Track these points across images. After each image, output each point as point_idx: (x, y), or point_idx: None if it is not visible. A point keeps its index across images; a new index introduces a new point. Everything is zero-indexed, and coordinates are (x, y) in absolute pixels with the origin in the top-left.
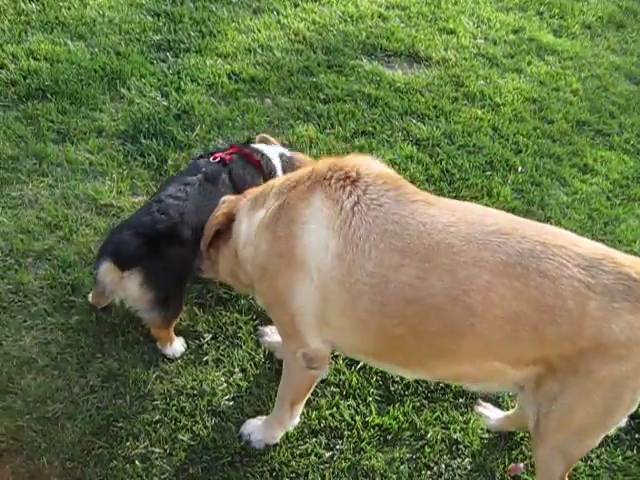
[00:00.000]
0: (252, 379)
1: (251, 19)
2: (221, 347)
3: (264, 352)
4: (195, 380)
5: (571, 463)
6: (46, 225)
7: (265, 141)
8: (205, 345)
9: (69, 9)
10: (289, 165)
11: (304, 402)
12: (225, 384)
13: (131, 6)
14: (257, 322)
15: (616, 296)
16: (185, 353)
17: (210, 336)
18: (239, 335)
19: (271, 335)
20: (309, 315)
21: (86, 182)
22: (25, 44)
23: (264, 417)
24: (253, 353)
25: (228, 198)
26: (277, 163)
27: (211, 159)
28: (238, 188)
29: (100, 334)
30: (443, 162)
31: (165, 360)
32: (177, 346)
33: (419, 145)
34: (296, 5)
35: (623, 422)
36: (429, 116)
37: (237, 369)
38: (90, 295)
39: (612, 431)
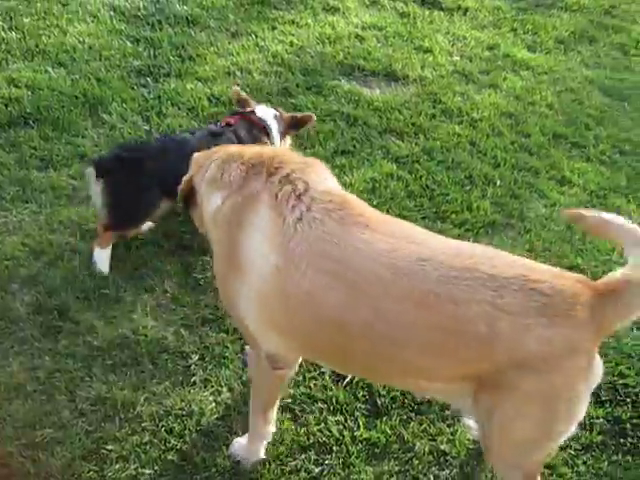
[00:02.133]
0: (240, 398)
1: (229, 43)
2: (208, 367)
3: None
4: (183, 401)
5: (530, 474)
6: (31, 251)
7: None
8: (192, 366)
9: (49, 37)
10: (280, 121)
11: (275, 407)
12: (213, 404)
13: (111, 32)
14: (243, 341)
15: (529, 313)
16: (172, 374)
17: (197, 357)
18: (226, 355)
19: None
20: (253, 320)
21: (70, 207)
22: (6, 72)
23: None
24: (240, 372)
25: (196, 157)
26: (272, 121)
27: (219, 124)
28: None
29: (88, 358)
30: (423, 178)
31: (153, 382)
32: (103, 255)
33: (399, 162)
34: (274, 28)
35: (572, 430)
36: (408, 133)
37: (225, 388)
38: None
39: (569, 435)
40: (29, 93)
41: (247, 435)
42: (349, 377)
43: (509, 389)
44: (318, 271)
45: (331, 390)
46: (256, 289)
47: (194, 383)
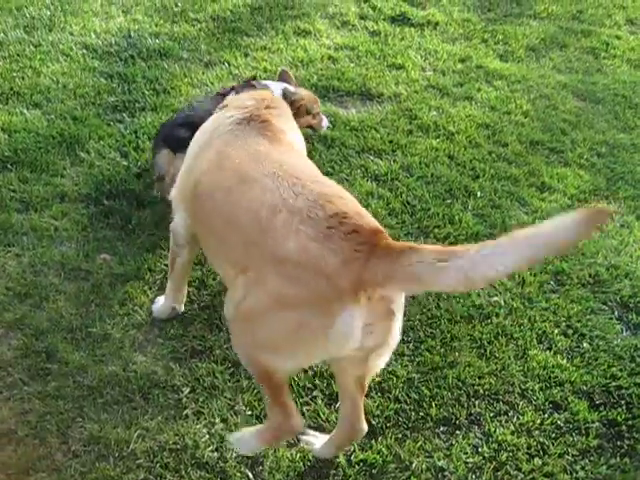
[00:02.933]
0: (233, 428)
1: (203, 73)
2: (200, 399)
3: (243, 400)
4: (177, 435)
5: (256, 374)
6: (16, 295)
7: (285, 76)
8: (184, 399)
9: (23, 79)
10: (290, 99)
11: (179, 288)
12: (207, 435)
13: (84, 70)
14: (232, 370)
15: (306, 220)
16: (165, 408)
17: (188, 389)
18: (217, 385)
19: None
20: (175, 191)
21: (53, 248)
22: None
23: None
24: (232, 402)
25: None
26: (278, 96)
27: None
28: None
29: (79, 398)
30: (403, 195)
31: (146, 418)
32: None
33: (378, 180)
34: (246, 55)
35: (308, 363)
36: (385, 151)
37: (218, 419)
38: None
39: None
40: (5, 136)
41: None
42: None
43: (259, 281)
44: (215, 166)
45: (324, 414)
46: (183, 169)
47: (187, 416)
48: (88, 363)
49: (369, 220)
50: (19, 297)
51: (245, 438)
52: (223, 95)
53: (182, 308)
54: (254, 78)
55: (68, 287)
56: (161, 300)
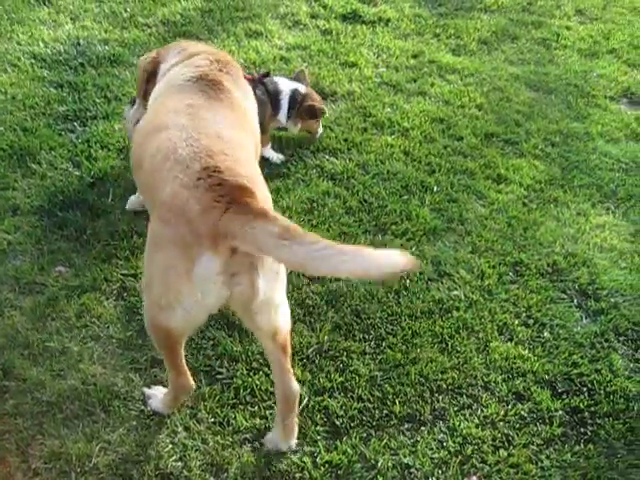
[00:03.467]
0: (197, 436)
1: None
2: None
3: (205, 408)
4: (139, 446)
5: (154, 338)
6: None
7: (300, 76)
8: (146, 409)
9: None
10: (297, 99)
11: None
12: (170, 445)
13: (33, 80)
14: (193, 378)
15: (184, 170)
16: (126, 420)
17: None
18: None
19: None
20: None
21: (7, 262)
22: None
23: None
24: (194, 410)
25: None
26: (285, 96)
27: None
28: None
29: (38, 415)
30: (360, 193)
31: (107, 430)
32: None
33: (334, 180)
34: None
35: (192, 314)
36: (341, 150)
37: (180, 428)
38: None
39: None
40: None
41: None
42: (305, 401)
43: (150, 225)
44: (152, 115)
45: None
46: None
47: (149, 426)
48: (46, 378)
49: (238, 177)
50: None
51: (156, 397)
52: None
53: None
54: (268, 74)
55: (23, 302)
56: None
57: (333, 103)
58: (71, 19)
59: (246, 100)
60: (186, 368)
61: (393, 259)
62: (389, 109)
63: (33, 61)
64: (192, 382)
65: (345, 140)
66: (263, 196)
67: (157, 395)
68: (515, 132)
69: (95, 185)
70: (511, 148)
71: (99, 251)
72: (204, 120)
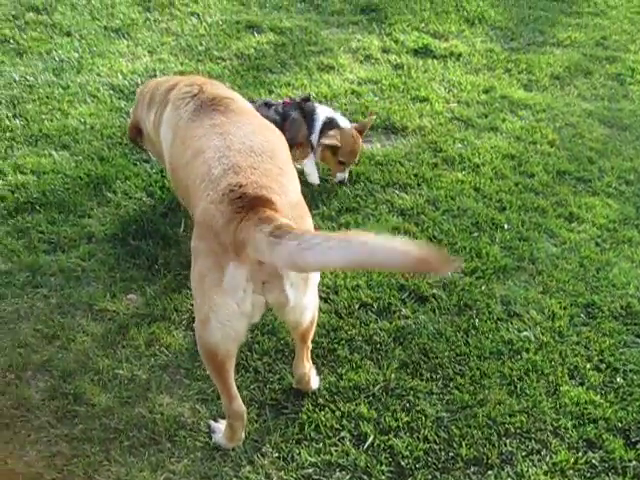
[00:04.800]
0: (260, 470)
1: None
2: None
3: (270, 442)
4: (204, 478)
5: (203, 357)
6: (43, 336)
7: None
8: (211, 441)
9: (52, 121)
10: (331, 126)
11: None
12: (234, 478)
13: (111, 111)
14: (259, 411)
15: (215, 187)
16: (191, 451)
17: None
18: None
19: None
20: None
21: (80, 289)
22: (11, 159)
23: None
24: (259, 444)
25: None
26: (318, 123)
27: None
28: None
29: (105, 441)
30: (429, 229)
31: (172, 461)
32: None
33: (404, 215)
34: (271, 92)
35: (231, 328)
36: (411, 185)
37: (245, 461)
38: None
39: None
40: (34, 178)
41: None
42: (370, 439)
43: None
44: (186, 149)
45: (352, 455)
46: (166, 155)
47: (213, 458)
48: (115, 405)
49: (260, 190)
50: (47, 338)
51: (220, 430)
52: (268, 105)
53: None
54: (308, 99)
55: (95, 328)
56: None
57: (404, 138)
58: (148, 52)
59: (244, 101)
60: (237, 393)
61: (399, 249)
62: (460, 145)
63: (112, 92)
64: (243, 407)
65: (415, 175)
66: (288, 201)
67: (222, 428)
68: (588, 170)
69: (168, 215)
70: (584, 186)
71: (170, 281)
72: (234, 136)
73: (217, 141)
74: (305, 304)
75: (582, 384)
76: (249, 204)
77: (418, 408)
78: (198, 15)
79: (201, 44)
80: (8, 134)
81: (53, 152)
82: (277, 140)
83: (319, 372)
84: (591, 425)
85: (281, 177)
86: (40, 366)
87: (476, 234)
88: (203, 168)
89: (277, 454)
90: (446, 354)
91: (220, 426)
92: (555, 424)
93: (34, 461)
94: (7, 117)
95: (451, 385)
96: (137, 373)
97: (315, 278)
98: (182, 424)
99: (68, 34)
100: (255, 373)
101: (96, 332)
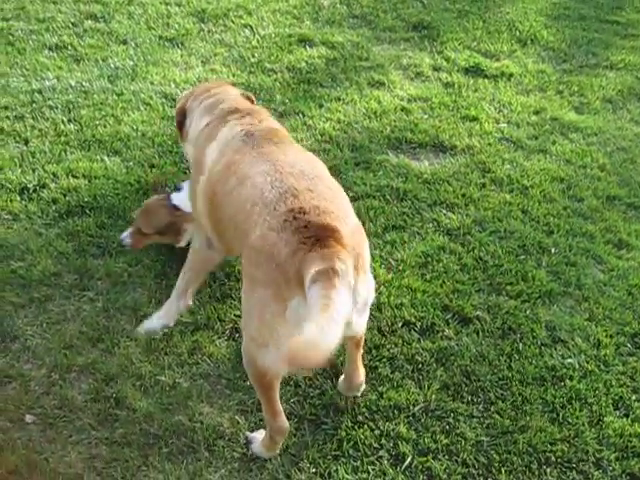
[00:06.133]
0: None
1: None
2: None
3: (307, 457)
4: None
5: (251, 375)
6: (88, 339)
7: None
8: (249, 452)
9: (105, 127)
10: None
11: (196, 285)
12: None
13: (163, 119)
14: (298, 424)
15: (271, 212)
16: (229, 461)
17: None
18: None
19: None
20: (200, 210)
21: (125, 294)
22: (65, 163)
23: None
24: (296, 458)
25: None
26: None
27: None
28: None
29: (144, 446)
30: (475, 250)
31: (210, 470)
32: None
33: (450, 235)
34: (321, 106)
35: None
36: (458, 205)
37: (282, 475)
38: None
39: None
40: (86, 182)
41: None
42: (408, 460)
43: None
44: (231, 174)
45: (389, 475)
46: (204, 186)
47: (250, 470)
48: (155, 411)
49: (324, 216)
50: (91, 341)
51: (258, 440)
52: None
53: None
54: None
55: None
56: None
57: (452, 157)
58: (202, 62)
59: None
60: (281, 409)
61: None
62: (509, 166)
63: (164, 100)
64: (287, 423)
65: (463, 195)
66: (349, 228)
67: (259, 439)
68: (639, 196)
69: None
70: (634, 212)
71: (214, 290)
72: (282, 162)
73: (266, 166)
74: (362, 322)
75: (627, 415)
76: (315, 234)
77: (458, 431)
78: (251, 27)
79: (253, 56)
80: (63, 138)
81: (105, 157)
82: (323, 166)
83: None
84: (635, 459)
85: (338, 200)
86: (84, 368)
87: (522, 257)
88: (254, 192)
89: (314, 469)
90: (488, 377)
91: (257, 436)
92: (597, 455)
93: (75, 462)
94: (62, 122)
95: (492, 409)
96: (179, 380)
97: (372, 298)
98: (221, 434)
99: (124, 42)
100: (295, 387)
101: (140, 338)
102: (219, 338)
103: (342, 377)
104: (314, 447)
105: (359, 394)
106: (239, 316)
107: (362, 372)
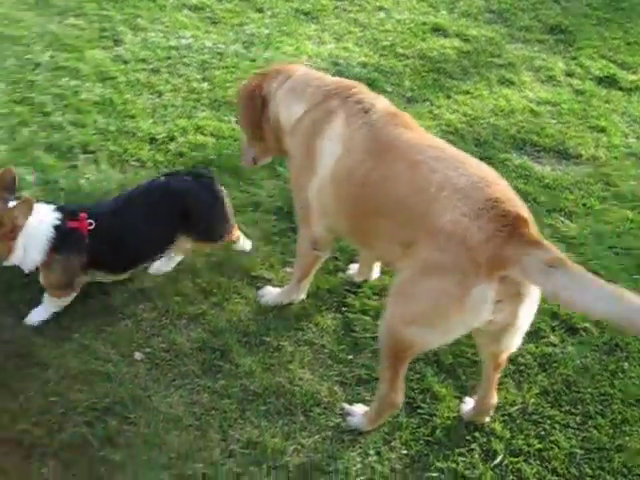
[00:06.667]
0: (387, 463)
1: (405, 108)
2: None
3: (400, 437)
4: (330, 457)
5: (389, 348)
6: (201, 290)
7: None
8: (343, 424)
9: (235, 89)
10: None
11: (309, 279)
12: (360, 464)
13: None
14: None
15: (464, 199)
16: (323, 429)
17: None
18: None
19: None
20: (313, 208)
21: (240, 254)
22: (194, 119)
23: None
24: (389, 437)
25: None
26: None
27: None
28: None
29: (243, 401)
30: (590, 262)
31: (304, 434)
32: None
33: (566, 243)
34: (449, 97)
35: (446, 336)
36: (577, 214)
37: (372, 451)
38: None
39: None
40: (213, 140)
41: (280, 289)
42: (499, 458)
43: (415, 253)
44: (360, 151)
45: (479, 469)
46: (319, 185)
47: (342, 441)
48: (257, 369)
49: (517, 207)
50: (203, 293)
51: (356, 413)
52: None
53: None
54: None
55: (250, 292)
56: (273, 292)
57: (576, 165)
58: (335, 39)
59: None
60: (403, 384)
61: None
62: (633, 182)
63: None
64: (402, 400)
65: (584, 205)
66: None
67: (357, 412)
68: None
69: None
70: None
71: (327, 261)
72: (449, 150)
73: (435, 152)
74: (525, 327)
75: None
76: (512, 223)
77: (552, 438)
78: (386, 10)
79: (387, 39)
80: (194, 95)
81: (232, 119)
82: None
83: (454, 379)
84: None
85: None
86: (194, 317)
87: (636, 276)
88: (435, 176)
89: (405, 451)
90: (589, 390)
91: (355, 409)
92: None
93: (176, 404)
94: (195, 79)
95: (589, 423)
96: (283, 344)
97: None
98: (318, 401)
99: (260, 10)
100: None
101: (250, 296)
102: (327, 309)
103: (467, 400)
104: (407, 429)
105: (489, 419)
106: (348, 291)
107: (495, 392)
